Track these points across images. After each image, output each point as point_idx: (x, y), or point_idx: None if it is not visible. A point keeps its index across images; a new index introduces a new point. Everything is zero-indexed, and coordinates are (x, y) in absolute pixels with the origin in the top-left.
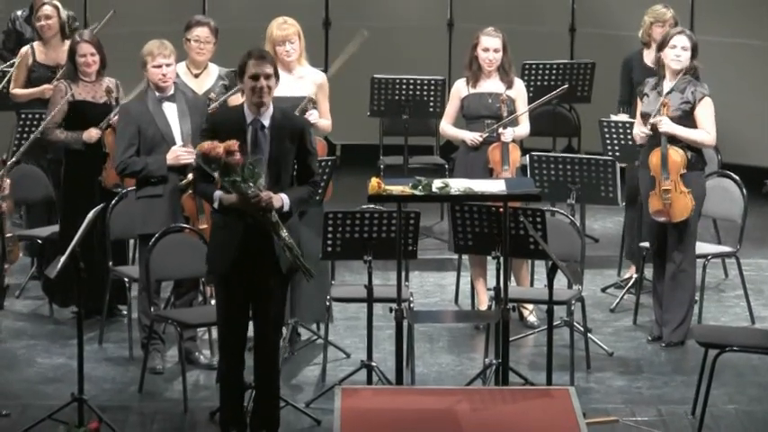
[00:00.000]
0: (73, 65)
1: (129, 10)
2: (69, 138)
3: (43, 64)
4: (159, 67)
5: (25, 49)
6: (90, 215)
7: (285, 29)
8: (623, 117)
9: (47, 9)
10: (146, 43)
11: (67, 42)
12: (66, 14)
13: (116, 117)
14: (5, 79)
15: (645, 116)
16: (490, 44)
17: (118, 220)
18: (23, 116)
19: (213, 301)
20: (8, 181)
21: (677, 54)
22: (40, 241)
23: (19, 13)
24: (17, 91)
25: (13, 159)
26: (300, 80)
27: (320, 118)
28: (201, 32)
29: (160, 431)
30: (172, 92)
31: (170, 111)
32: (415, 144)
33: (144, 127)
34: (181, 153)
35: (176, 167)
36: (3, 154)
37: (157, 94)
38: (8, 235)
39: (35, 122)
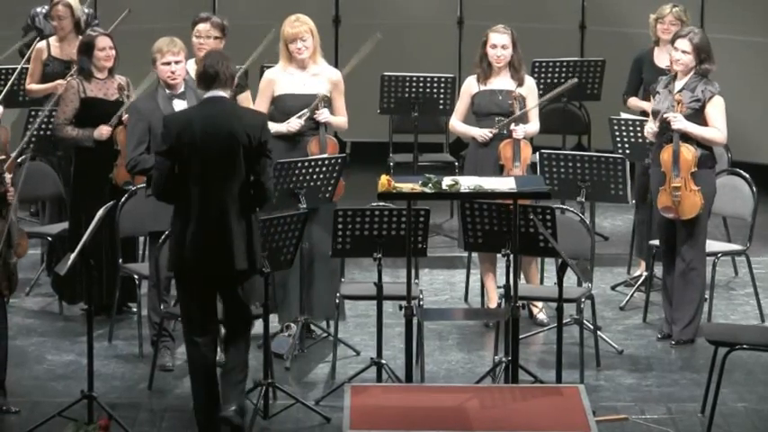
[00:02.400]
0: (88, 59)
1: (139, 7)
2: (80, 135)
3: (58, 59)
4: (168, 64)
5: (41, 44)
6: (100, 212)
7: (296, 26)
8: (635, 108)
9: (59, 9)
10: (156, 40)
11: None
12: (82, 12)
13: (127, 115)
14: (14, 76)
15: (656, 113)
16: (498, 41)
17: (128, 217)
18: (33, 113)
19: None
20: (9, 175)
21: (677, 57)
22: (49, 238)
23: (39, 9)
24: (32, 86)
25: (15, 154)
26: (315, 77)
27: (336, 115)
28: (202, 28)
29: (170, 428)
30: (182, 89)
31: (180, 109)
32: (425, 141)
33: (154, 124)
34: None
35: None
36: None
37: (167, 91)
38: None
39: (45, 119)
